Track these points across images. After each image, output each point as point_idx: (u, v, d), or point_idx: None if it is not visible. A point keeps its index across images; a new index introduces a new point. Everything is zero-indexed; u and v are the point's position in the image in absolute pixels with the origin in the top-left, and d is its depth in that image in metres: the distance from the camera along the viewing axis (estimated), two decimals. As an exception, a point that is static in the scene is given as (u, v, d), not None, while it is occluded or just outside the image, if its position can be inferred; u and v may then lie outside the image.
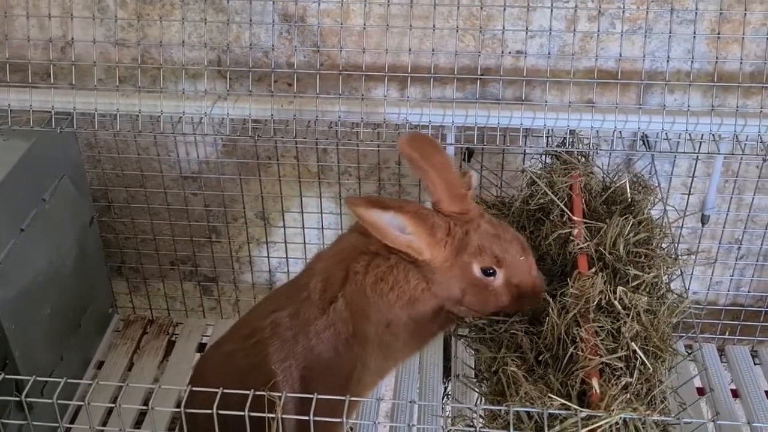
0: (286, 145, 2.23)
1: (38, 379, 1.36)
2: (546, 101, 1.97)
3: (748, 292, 2.37)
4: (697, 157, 2.08)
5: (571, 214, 1.76)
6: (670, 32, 1.95)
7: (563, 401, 1.36)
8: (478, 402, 1.62)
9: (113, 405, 1.37)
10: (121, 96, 2.00)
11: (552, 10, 1.96)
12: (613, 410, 1.33)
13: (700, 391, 2.17)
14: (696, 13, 1.94)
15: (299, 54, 2.10)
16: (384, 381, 2.15)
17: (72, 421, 2.04)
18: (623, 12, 1.97)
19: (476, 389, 1.60)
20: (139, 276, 2.48)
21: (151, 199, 2.33)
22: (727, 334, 2.38)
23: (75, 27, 2.06)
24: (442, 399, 2.25)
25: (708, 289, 2.36)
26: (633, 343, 1.45)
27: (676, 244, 1.79)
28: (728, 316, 2.39)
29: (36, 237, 1.93)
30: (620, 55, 1.99)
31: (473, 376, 2.17)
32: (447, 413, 2.12)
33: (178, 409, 1.31)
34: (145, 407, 1.34)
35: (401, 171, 2.25)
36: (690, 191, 2.17)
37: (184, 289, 2.50)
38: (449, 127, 1.98)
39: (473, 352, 1.65)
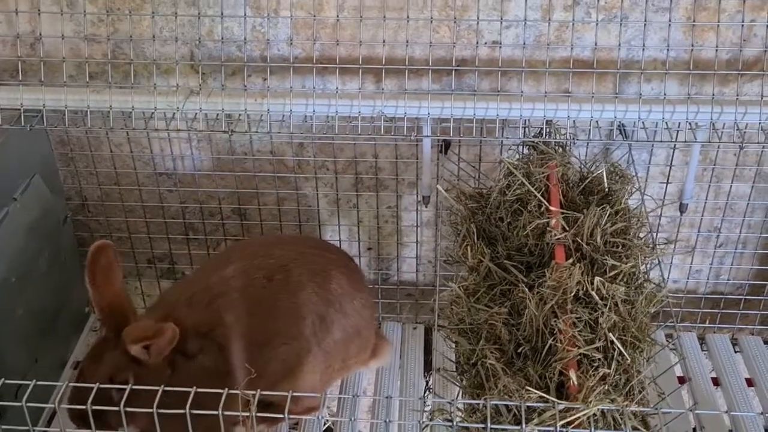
0: (262, 140, 2.21)
1: (7, 382, 1.33)
2: (522, 92, 1.95)
3: (728, 280, 2.38)
4: (675, 145, 2.08)
5: (548, 205, 1.75)
6: (646, 20, 1.94)
7: (541, 394, 1.35)
8: (459, 396, 1.62)
9: (84, 407, 1.34)
10: (91, 92, 1.96)
11: (527, 0, 1.94)
12: (590, 402, 1.32)
13: (681, 380, 2.17)
14: (671, 1, 1.93)
15: (273, 47, 2.07)
16: (365, 375, 2.15)
17: (49, 424, 2.01)
18: (598, 1, 1.95)
19: (456, 383, 1.59)
20: (115, 275, 2.44)
21: (125, 196, 2.30)
22: (707, 322, 2.38)
23: (43, 22, 2.02)
24: (424, 393, 2.24)
25: (688, 278, 2.36)
26: (611, 334, 1.44)
27: (654, 234, 1.79)
28: (708, 304, 2.39)
29: (7, 237, 1.89)
30: (596, 45, 1.97)
31: (454, 369, 2.17)
32: (427, 408, 2.11)
33: (150, 410, 1.29)
34: (116, 408, 1.32)
35: (378, 165, 2.23)
36: (668, 180, 2.16)
37: (162, 287, 2.47)
38: (425, 119, 1.96)
39: (453, 344, 1.64)
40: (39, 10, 1.99)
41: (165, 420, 1.33)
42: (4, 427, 1.37)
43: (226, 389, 1.32)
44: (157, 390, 1.31)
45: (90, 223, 2.36)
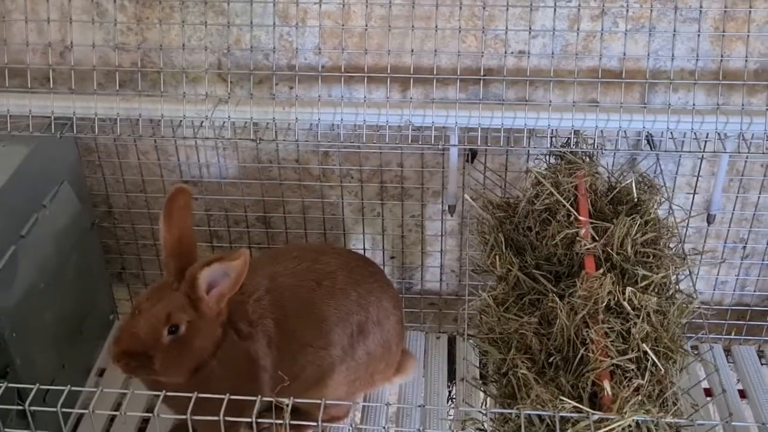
0: (287, 148, 2.22)
1: (41, 387, 1.34)
2: (550, 101, 1.95)
3: (754, 291, 2.36)
4: (702, 156, 2.07)
5: (577, 214, 1.75)
6: (675, 31, 1.93)
7: (575, 404, 1.34)
8: (485, 405, 1.61)
9: (116, 413, 1.35)
10: (120, 100, 1.98)
11: (555, 10, 1.94)
12: (625, 412, 1.31)
13: (708, 392, 2.15)
14: (700, 11, 1.93)
15: (299, 56, 2.08)
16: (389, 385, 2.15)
17: (74, 429, 2.02)
18: (627, 11, 1.95)
19: (486, 392, 1.58)
20: (140, 282, 2.45)
21: (151, 204, 2.31)
22: (733, 334, 2.37)
23: (74, 31, 2.04)
24: (447, 402, 2.24)
25: (714, 289, 2.34)
26: (644, 344, 1.44)
27: (683, 244, 1.78)
28: (734, 315, 2.37)
29: (36, 243, 1.91)
30: (624, 55, 1.97)
31: (479, 378, 2.16)
32: (453, 417, 2.11)
33: (183, 417, 1.29)
34: (148, 414, 1.33)
35: (403, 174, 2.23)
36: (695, 191, 2.15)
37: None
38: (452, 128, 1.96)
39: (482, 353, 1.63)
40: (70, 19, 2.01)
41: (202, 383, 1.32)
42: (36, 432, 1.37)
43: (258, 397, 1.33)
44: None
45: (116, 230, 2.37)
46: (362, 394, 2.01)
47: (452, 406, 2.14)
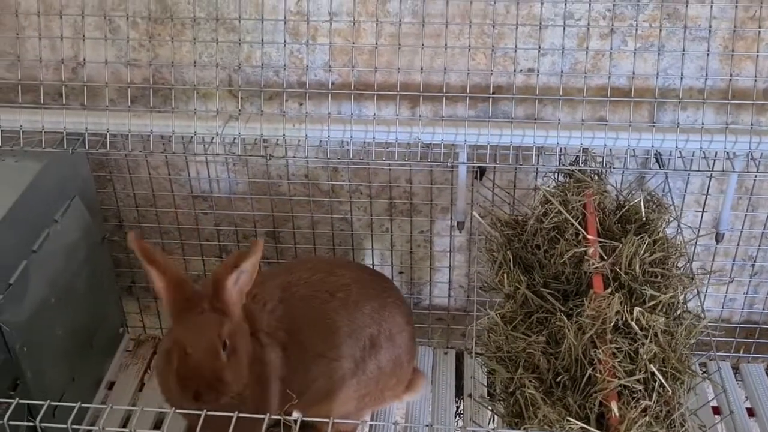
0: (297, 164, 2.23)
1: (51, 403, 1.35)
2: (559, 119, 1.96)
3: (763, 309, 2.35)
4: (711, 174, 2.07)
5: (585, 233, 1.75)
6: (684, 50, 1.94)
7: (582, 425, 1.34)
8: (493, 423, 1.61)
9: (125, 430, 1.36)
10: (132, 116, 1.99)
11: (564, 28, 1.95)
12: (633, 434, 1.31)
13: (716, 410, 2.14)
14: (710, 30, 1.93)
15: (310, 73, 2.09)
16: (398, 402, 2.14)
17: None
18: (636, 30, 1.96)
19: (494, 411, 1.59)
20: (149, 295, 2.47)
21: (161, 218, 2.33)
22: (741, 351, 2.36)
23: (86, 48, 2.06)
24: (455, 418, 2.23)
25: (722, 307, 2.34)
26: (651, 365, 1.44)
27: (690, 263, 1.78)
28: (743, 333, 2.37)
29: (47, 258, 1.92)
30: (633, 73, 1.98)
31: (487, 395, 2.16)
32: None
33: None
34: (157, 430, 1.34)
35: (411, 190, 2.24)
36: (704, 209, 2.15)
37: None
38: (461, 146, 1.97)
39: (490, 371, 1.63)
40: (84, 36, 2.03)
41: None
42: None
43: (267, 415, 1.33)
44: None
45: (125, 244, 2.38)
46: (371, 411, 2.02)
47: (460, 426, 2.13)
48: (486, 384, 1.80)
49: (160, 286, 1.61)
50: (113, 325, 2.34)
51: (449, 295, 2.41)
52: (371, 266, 2.33)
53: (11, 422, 1.33)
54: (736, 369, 2.32)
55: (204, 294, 1.61)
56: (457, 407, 2.28)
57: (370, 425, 2.06)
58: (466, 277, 2.40)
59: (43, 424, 1.32)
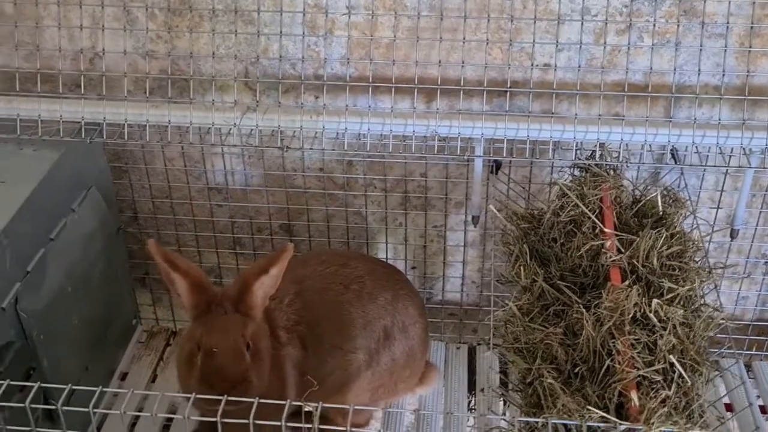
0: (312, 157, 2.23)
1: (71, 388, 1.35)
2: (576, 114, 1.96)
3: (776, 307, 2.36)
4: (727, 171, 2.08)
5: (602, 227, 1.75)
6: (701, 46, 1.95)
7: (603, 414, 1.35)
8: (506, 413, 1.62)
9: (148, 414, 1.37)
10: (150, 107, 2.00)
11: (582, 24, 1.96)
12: (653, 423, 1.32)
13: (728, 407, 2.14)
14: (727, 27, 1.94)
15: (327, 66, 2.10)
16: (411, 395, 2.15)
17: (98, 430, 2.04)
18: (654, 26, 1.96)
19: (511, 401, 1.59)
20: (162, 287, 2.47)
21: (176, 209, 2.33)
22: (754, 349, 2.36)
23: (104, 38, 2.07)
24: (469, 410, 2.24)
25: (735, 304, 2.34)
26: (671, 356, 1.44)
27: (707, 258, 1.78)
28: (755, 331, 2.37)
29: (65, 247, 1.93)
30: (650, 69, 1.98)
31: (500, 388, 2.16)
32: (475, 425, 2.11)
33: (213, 419, 1.30)
34: (177, 416, 1.34)
35: (427, 184, 2.25)
36: (719, 205, 2.16)
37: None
38: (478, 139, 1.97)
39: (509, 362, 1.64)
40: (103, 27, 2.04)
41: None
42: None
43: (288, 401, 1.34)
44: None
45: (140, 235, 2.40)
46: (384, 403, 2.02)
47: (480, 413, 2.13)
48: (501, 375, 1.81)
49: (182, 289, 1.61)
50: (126, 317, 2.35)
51: (462, 291, 2.42)
52: (386, 259, 2.34)
53: (33, 406, 1.35)
54: (748, 367, 2.32)
55: (226, 295, 1.61)
56: (470, 402, 2.28)
57: (386, 413, 2.06)
58: (479, 272, 2.41)
59: (66, 408, 1.33)
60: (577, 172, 1.99)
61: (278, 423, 1.28)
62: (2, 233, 1.70)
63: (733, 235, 2.13)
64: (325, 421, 1.84)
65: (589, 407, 1.37)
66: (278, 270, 1.60)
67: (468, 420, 2.13)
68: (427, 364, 2.07)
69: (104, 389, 1.36)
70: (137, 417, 2.06)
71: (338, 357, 1.82)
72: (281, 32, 2.03)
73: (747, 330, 2.36)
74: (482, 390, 2.22)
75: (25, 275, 1.78)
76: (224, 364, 1.53)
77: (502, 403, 2.17)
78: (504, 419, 1.47)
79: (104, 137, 2.00)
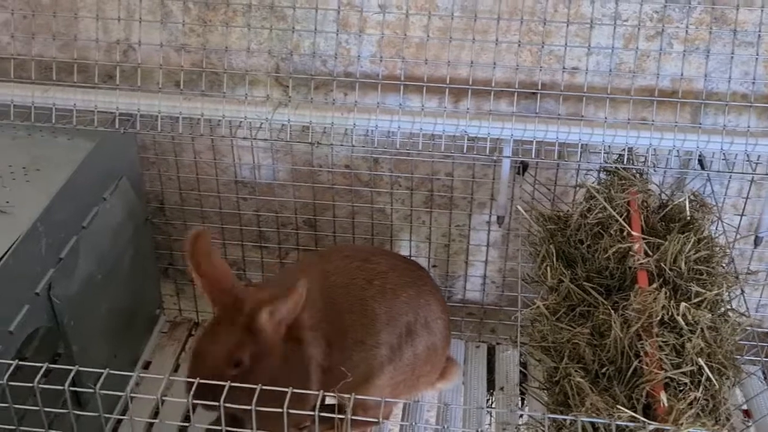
0: (339, 153, 2.26)
1: (96, 372, 1.38)
2: (605, 118, 1.98)
3: (795, 315, 2.37)
4: (753, 178, 2.09)
5: (630, 229, 1.77)
6: (732, 54, 1.96)
7: (631, 413, 1.37)
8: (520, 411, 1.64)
9: (185, 400, 1.39)
10: (184, 99, 2.03)
11: (615, 28, 1.98)
12: (681, 424, 1.33)
13: (746, 413, 2.16)
14: (759, 35, 1.95)
15: (356, 64, 2.12)
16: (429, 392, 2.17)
17: (123, 413, 2.07)
18: (686, 32, 1.98)
19: (539, 399, 1.61)
20: (186, 278, 2.50)
21: (203, 202, 2.36)
22: (771, 356, 2.37)
23: (138, 31, 2.09)
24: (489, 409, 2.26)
25: (756, 311, 2.36)
26: (699, 359, 1.46)
27: (733, 264, 1.80)
28: (773, 339, 2.39)
29: (96, 235, 1.96)
30: (681, 75, 2.00)
31: (517, 388, 2.18)
32: (490, 424, 2.13)
33: (248, 407, 1.32)
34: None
35: (453, 184, 2.27)
36: (743, 212, 2.17)
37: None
38: (507, 140, 1.99)
39: (536, 361, 1.66)
40: (140, 19, 2.07)
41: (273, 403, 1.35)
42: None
43: (321, 392, 1.35)
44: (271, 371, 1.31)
45: (166, 226, 2.42)
46: (405, 397, 2.04)
47: (511, 409, 2.14)
48: (517, 378, 1.81)
49: (201, 289, 1.67)
50: (151, 306, 2.37)
51: (483, 290, 2.44)
52: (409, 257, 2.36)
53: (72, 389, 1.37)
54: (766, 375, 2.33)
55: (239, 306, 1.64)
56: (489, 401, 2.30)
57: (405, 405, 2.08)
58: (500, 272, 2.42)
59: (103, 392, 1.35)
60: (604, 175, 2.01)
61: (310, 413, 1.30)
62: (38, 220, 1.73)
63: (757, 242, 2.14)
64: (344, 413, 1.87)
65: (619, 406, 1.39)
66: (289, 308, 1.62)
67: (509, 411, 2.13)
68: (449, 360, 2.09)
69: (141, 374, 1.38)
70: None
71: (362, 351, 1.84)
72: (315, 29, 2.05)
73: (766, 338, 2.37)
74: (501, 388, 2.24)
75: (58, 262, 1.81)
76: (200, 373, 1.55)
77: (520, 401, 2.19)
78: (531, 415, 1.49)
79: (137, 128, 2.03)
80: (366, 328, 1.85)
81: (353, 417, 1.32)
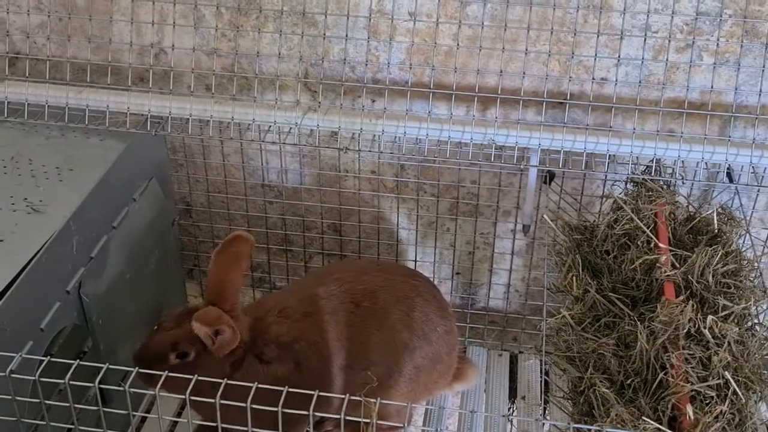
0: (365, 159, 2.27)
1: (119, 370, 1.40)
2: (634, 129, 1.98)
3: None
4: (781, 192, 2.09)
5: (657, 241, 1.77)
6: (764, 67, 1.96)
7: (658, 426, 1.36)
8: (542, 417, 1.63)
9: (212, 401, 1.40)
10: (214, 103, 2.05)
11: (645, 40, 1.98)
12: (708, 437, 1.33)
13: None
14: (790, 48, 1.95)
15: (384, 70, 2.14)
16: (449, 399, 2.17)
17: (148, 411, 2.10)
18: (717, 45, 1.98)
19: (563, 408, 1.61)
20: (210, 280, 2.52)
21: (230, 204, 2.38)
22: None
23: (171, 35, 2.12)
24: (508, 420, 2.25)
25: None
26: (726, 373, 1.45)
27: (761, 278, 1.79)
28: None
29: (125, 235, 1.98)
30: (711, 87, 2.00)
31: (540, 397, 2.18)
32: (519, 427, 2.12)
33: (274, 409, 1.33)
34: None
35: (479, 192, 2.28)
36: (769, 226, 2.17)
37: (255, 296, 2.54)
38: (534, 149, 2.00)
39: (561, 371, 1.66)
40: (174, 23, 2.09)
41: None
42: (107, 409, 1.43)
43: (346, 395, 1.36)
44: (213, 378, 1.36)
45: (192, 227, 2.45)
46: (423, 401, 2.03)
47: (537, 417, 2.14)
48: (541, 387, 1.80)
49: (210, 275, 1.75)
50: (175, 307, 2.39)
51: (506, 299, 2.44)
52: (432, 264, 2.37)
53: (101, 386, 1.39)
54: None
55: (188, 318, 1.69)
56: (509, 409, 2.30)
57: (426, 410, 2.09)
58: (523, 281, 2.43)
59: (133, 390, 1.37)
60: (631, 186, 2.01)
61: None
62: (71, 219, 1.75)
63: (784, 256, 2.13)
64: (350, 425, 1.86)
65: (644, 418, 1.39)
66: (226, 339, 1.67)
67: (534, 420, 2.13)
68: (463, 360, 2.07)
69: (170, 374, 1.40)
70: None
71: (350, 376, 1.83)
72: (346, 36, 2.07)
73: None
74: (523, 397, 2.24)
75: (89, 261, 1.83)
76: (145, 348, 1.74)
77: (542, 411, 2.19)
78: (556, 424, 1.49)
79: (168, 130, 2.05)
80: (352, 354, 1.83)
81: (383, 422, 1.32)
